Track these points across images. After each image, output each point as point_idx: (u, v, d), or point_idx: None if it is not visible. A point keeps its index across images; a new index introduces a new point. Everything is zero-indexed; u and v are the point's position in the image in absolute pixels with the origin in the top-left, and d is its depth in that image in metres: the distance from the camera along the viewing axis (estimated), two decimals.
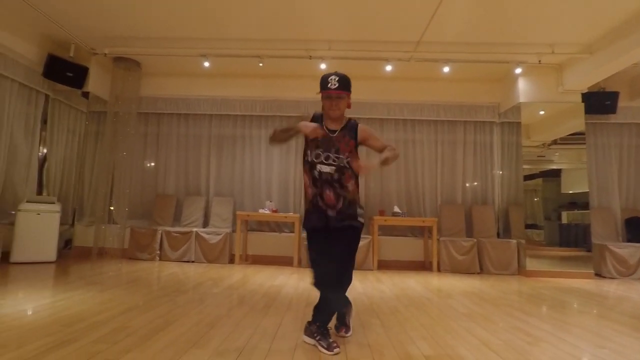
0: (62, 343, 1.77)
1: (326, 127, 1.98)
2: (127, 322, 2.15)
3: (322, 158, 1.93)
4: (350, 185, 1.94)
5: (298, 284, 3.61)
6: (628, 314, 2.78)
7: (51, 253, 4.33)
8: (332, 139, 1.96)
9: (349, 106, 1.99)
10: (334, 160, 1.92)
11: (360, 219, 1.97)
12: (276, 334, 2.05)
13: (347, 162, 1.92)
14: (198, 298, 2.85)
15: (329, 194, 1.91)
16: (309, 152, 1.96)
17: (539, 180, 5.29)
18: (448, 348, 1.91)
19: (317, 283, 1.90)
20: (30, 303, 2.49)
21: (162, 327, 2.09)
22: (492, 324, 2.39)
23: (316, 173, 1.92)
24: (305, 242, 1.98)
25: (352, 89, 1.97)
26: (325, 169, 1.92)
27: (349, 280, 1.95)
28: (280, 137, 1.98)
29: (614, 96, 5.03)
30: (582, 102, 4.91)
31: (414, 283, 3.92)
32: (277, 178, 5.47)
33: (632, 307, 3.01)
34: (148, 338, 1.89)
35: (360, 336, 2.07)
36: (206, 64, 4.92)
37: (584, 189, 5.02)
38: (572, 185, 5.16)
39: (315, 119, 2.03)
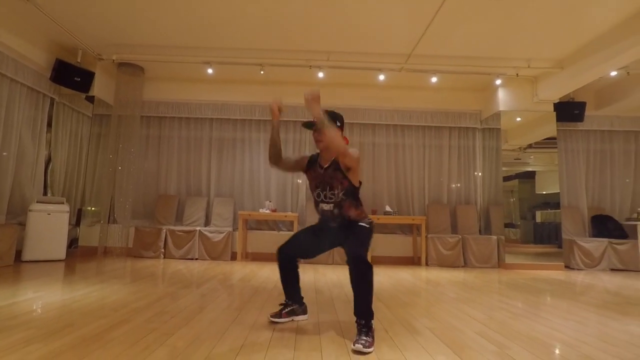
0: (119, 323, 2.04)
1: (319, 164, 2.03)
2: (164, 307, 2.43)
3: (322, 197, 1.98)
4: (352, 212, 1.96)
5: (303, 277, 3.92)
6: (593, 297, 3.25)
7: (61, 251, 4.50)
8: (324, 176, 1.97)
9: (346, 141, 1.95)
10: (330, 198, 1.95)
11: (362, 223, 1.97)
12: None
13: (343, 195, 1.93)
14: (217, 289, 3.14)
15: (332, 225, 2.02)
16: (311, 189, 2.06)
17: (515, 182, 5.78)
18: (444, 322, 2.28)
19: (282, 251, 2.07)
20: (67, 294, 2.72)
21: (197, 310, 2.38)
22: (479, 305, 2.79)
23: (319, 210, 2.03)
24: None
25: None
26: (326, 206, 1.96)
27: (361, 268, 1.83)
28: (272, 144, 2.02)
29: (581, 106, 5.59)
30: (554, 111, 5.44)
31: (406, 275, 4.31)
32: (275, 179, 5.78)
33: (596, 292, 3.49)
34: (190, 319, 2.19)
35: None
36: (210, 71, 5.18)
37: (556, 189, 5.55)
38: (546, 187, 5.69)
39: (312, 159, 2.10)
